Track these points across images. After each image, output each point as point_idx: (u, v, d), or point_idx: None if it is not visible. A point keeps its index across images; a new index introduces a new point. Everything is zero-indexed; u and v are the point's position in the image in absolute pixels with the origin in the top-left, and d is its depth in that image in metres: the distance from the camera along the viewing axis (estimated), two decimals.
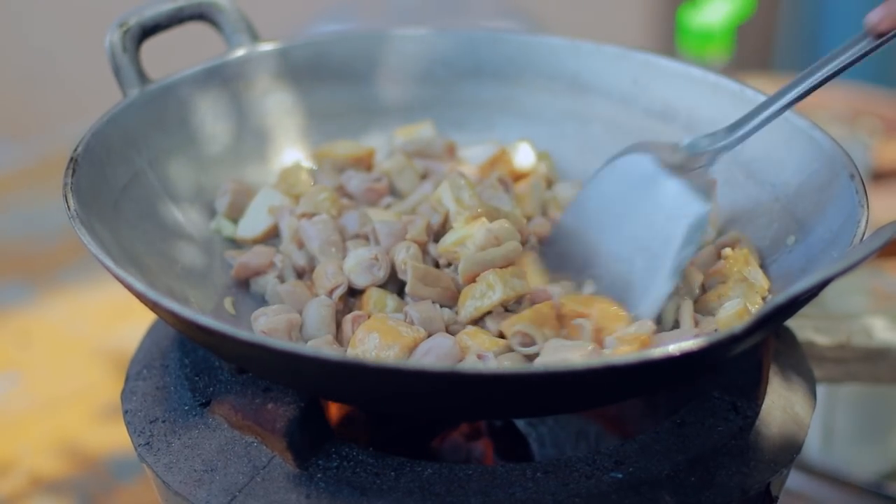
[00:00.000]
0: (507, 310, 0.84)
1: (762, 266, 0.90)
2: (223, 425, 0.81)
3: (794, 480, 1.22)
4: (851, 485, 1.23)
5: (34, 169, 2.03)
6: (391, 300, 0.87)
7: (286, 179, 0.99)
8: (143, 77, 0.96)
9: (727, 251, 0.89)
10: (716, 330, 0.80)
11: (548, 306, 0.82)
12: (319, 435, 0.79)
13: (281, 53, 1.04)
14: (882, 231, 0.73)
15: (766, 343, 0.88)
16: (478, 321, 0.84)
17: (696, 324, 0.84)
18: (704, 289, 0.88)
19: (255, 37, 1.03)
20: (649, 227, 0.85)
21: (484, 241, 0.86)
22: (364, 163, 1.02)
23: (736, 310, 0.81)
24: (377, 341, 0.80)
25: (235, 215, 0.97)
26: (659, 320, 0.85)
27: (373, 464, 0.77)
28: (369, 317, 0.85)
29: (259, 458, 0.78)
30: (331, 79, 1.06)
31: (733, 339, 0.70)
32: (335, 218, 0.93)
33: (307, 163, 1.03)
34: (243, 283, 0.92)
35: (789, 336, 0.94)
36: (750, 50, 2.62)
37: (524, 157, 1.01)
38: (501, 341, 0.81)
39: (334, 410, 0.94)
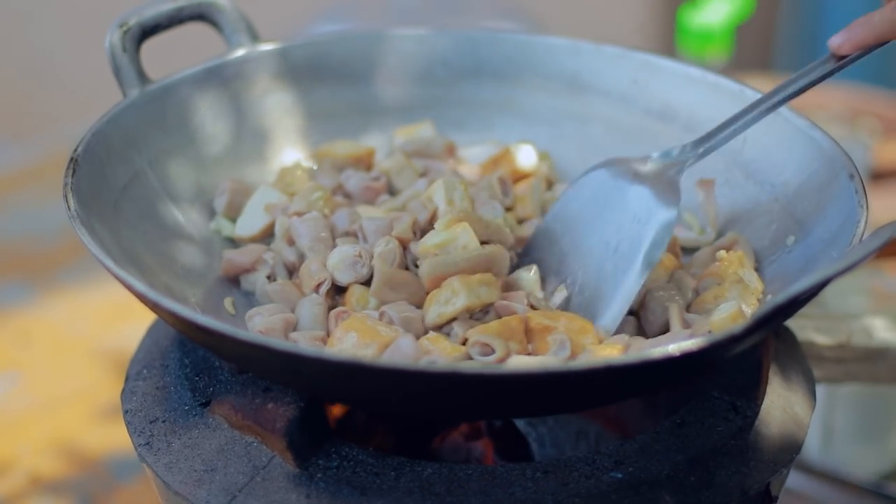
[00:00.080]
0: (473, 318, 0.84)
1: (761, 266, 0.90)
2: (223, 425, 0.81)
3: (794, 480, 1.22)
4: (851, 485, 1.23)
5: (34, 169, 2.03)
6: (374, 298, 0.87)
7: (284, 178, 0.99)
8: (143, 77, 0.96)
9: (721, 253, 0.89)
10: (709, 331, 0.80)
11: (517, 319, 0.82)
12: (319, 435, 0.79)
13: (281, 53, 1.04)
14: (881, 231, 0.73)
15: (766, 343, 0.88)
16: (443, 326, 0.84)
17: (690, 325, 0.84)
18: (697, 291, 0.88)
19: (255, 37, 1.03)
20: (619, 231, 0.87)
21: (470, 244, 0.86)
22: (364, 162, 1.02)
23: (730, 312, 0.81)
24: (355, 340, 0.80)
25: (234, 214, 0.97)
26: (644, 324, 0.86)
27: (373, 464, 0.77)
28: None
29: (259, 458, 0.78)
30: (331, 79, 1.06)
31: (733, 340, 0.70)
32: (328, 216, 0.93)
33: (307, 163, 1.03)
34: (235, 280, 0.92)
35: (789, 336, 0.94)
36: (750, 50, 2.62)
37: (526, 157, 1.01)
38: (461, 348, 0.80)
39: (334, 410, 0.94)
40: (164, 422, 0.82)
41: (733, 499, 0.76)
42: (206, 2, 1.00)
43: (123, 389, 0.87)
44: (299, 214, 0.93)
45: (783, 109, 0.94)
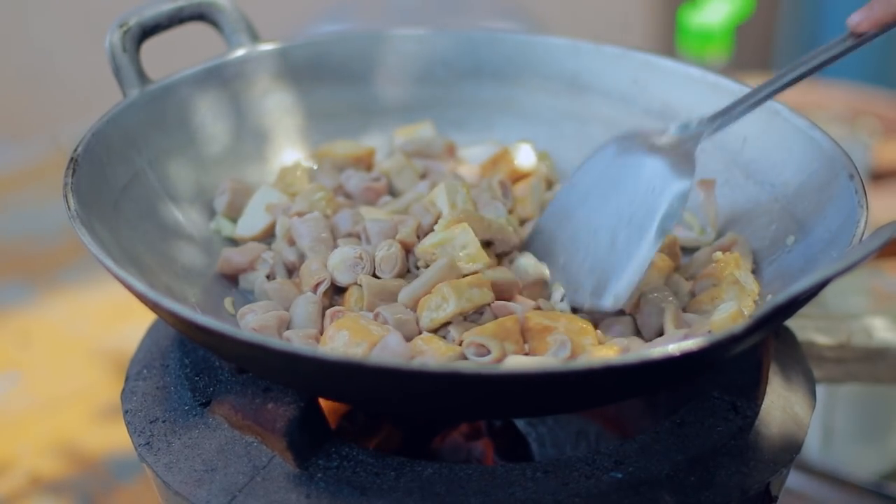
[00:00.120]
0: (468, 319, 0.84)
1: (760, 266, 0.90)
2: (223, 425, 0.81)
3: (794, 480, 1.22)
4: (851, 484, 1.23)
5: (34, 169, 2.03)
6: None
7: (284, 178, 0.99)
8: (143, 77, 0.96)
9: (718, 255, 0.89)
10: (709, 332, 0.80)
11: (512, 320, 0.82)
12: (319, 435, 0.79)
13: (281, 53, 1.04)
14: (881, 231, 0.73)
15: (766, 343, 0.88)
16: (438, 329, 0.84)
17: (688, 326, 0.84)
18: (694, 293, 0.88)
19: (255, 37, 1.03)
20: (632, 203, 0.87)
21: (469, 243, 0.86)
22: (364, 162, 1.03)
23: (730, 312, 0.81)
24: (346, 338, 0.80)
25: (234, 214, 0.97)
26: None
27: (373, 464, 0.77)
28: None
29: (259, 457, 0.78)
30: (331, 79, 1.06)
31: (733, 339, 0.70)
32: (329, 217, 0.93)
33: (307, 163, 1.03)
34: (235, 280, 0.92)
35: (789, 336, 0.94)
36: (750, 50, 2.62)
37: (525, 157, 1.01)
38: (455, 348, 0.80)
39: (334, 410, 0.94)
40: (164, 422, 0.82)
41: (733, 499, 0.76)
42: (206, 2, 1.00)
43: (123, 389, 0.87)
44: (301, 215, 0.93)
45: (783, 110, 0.94)
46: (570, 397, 0.76)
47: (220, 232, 0.97)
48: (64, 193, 0.82)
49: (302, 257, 0.91)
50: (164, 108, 0.97)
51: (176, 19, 0.99)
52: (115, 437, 1.41)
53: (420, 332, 0.83)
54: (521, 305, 0.85)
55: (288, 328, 0.85)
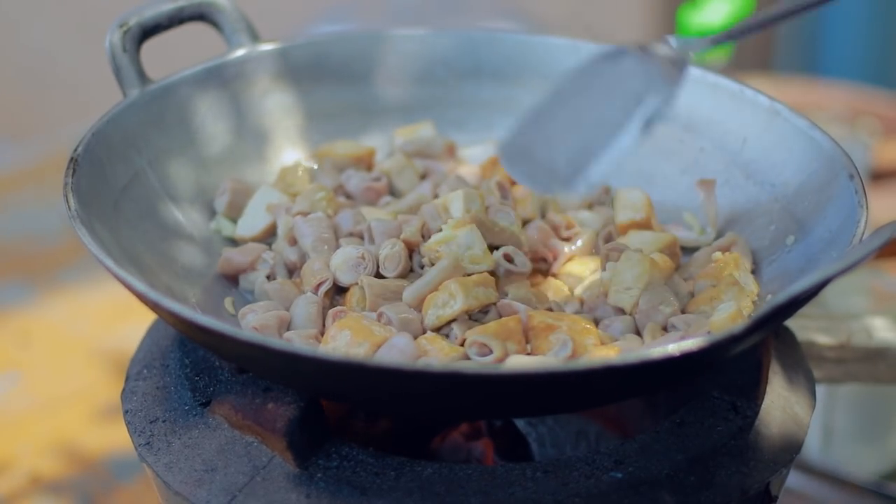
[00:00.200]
0: (472, 318, 0.84)
1: (760, 266, 0.90)
2: (223, 425, 0.81)
3: (794, 480, 1.22)
4: (851, 485, 1.23)
5: (34, 169, 2.03)
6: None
7: (285, 178, 0.99)
8: (143, 77, 0.96)
9: (717, 255, 0.89)
10: (709, 332, 0.80)
11: (514, 320, 0.82)
12: (319, 435, 0.79)
13: (281, 53, 1.04)
14: (881, 231, 0.73)
15: (766, 343, 0.88)
16: (442, 328, 0.84)
17: (688, 326, 0.84)
18: (693, 293, 0.88)
19: (255, 37, 1.03)
20: (618, 102, 0.86)
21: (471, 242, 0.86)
22: (364, 162, 1.03)
23: (730, 313, 0.81)
24: (348, 338, 0.80)
25: (235, 214, 0.97)
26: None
27: (373, 464, 0.77)
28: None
29: (259, 457, 0.78)
30: (330, 79, 1.06)
31: (733, 339, 0.70)
32: (331, 217, 0.93)
33: (307, 163, 1.03)
34: (235, 280, 0.92)
35: (789, 336, 0.94)
36: (750, 50, 2.62)
37: None
38: (459, 349, 0.80)
39: (334, 411, 0.94)
40: (164, 422, 0.82)
41: (733, 499, 0.76)
42: (206, 2, 1.00)
43: (123, 389, 0.87)
44: (303, 214, 0.93)
45: (783, 110, 0.94)
46: (571, 397, 0.76)
47: (221, 232, 0.97)
48: (64, 193, 0.82)
49: (303, 257, 0.91)
50: (164, 108, 0.97)
51: (176, 19, 0.99)
52: (115, 437, 1.41)
53: (424, 332, 0.83)
54: (525, 305, 0.85)
55: (288, 328, 0.85)
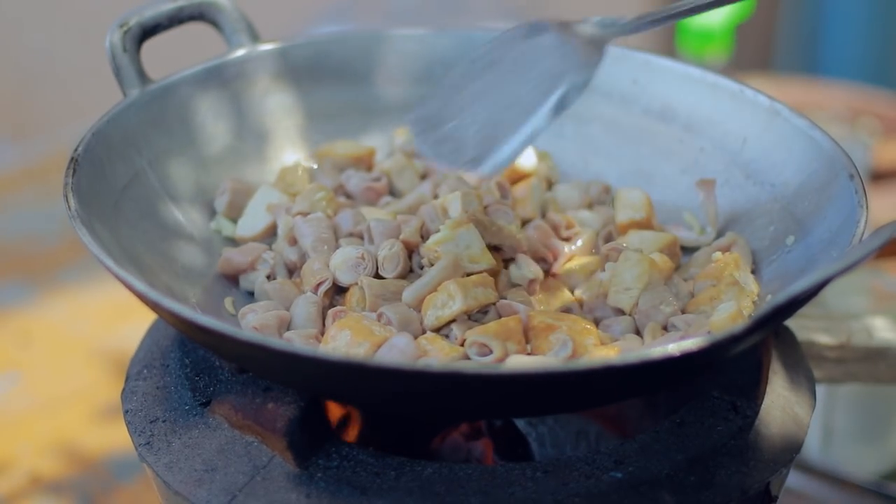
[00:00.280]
0: (471, 318, 0.84)
1: (760, 266, 0.90)
2: (223, 425, 0.81)
3: (794, 480, 1.22)
4: (851, 484, 1.23)
5: (34, 169, 2.03)
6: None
7: (285, 178, 0.99)
8: (143, 77, 0.96)
9: (717, 255, 0.89)
10: (709, 332, 0.80)
11: (514, 320, 0.82)
12: (319, 435, 0.79)
13: (281, 53, 1.04)
14: (881, 231, 0.73)
15: (766, 343, 0.88)
16: (442, 328, 0.84)
17: (689, 327, 0.84)
18: (693, 293, 0.88)
19: (255, 37, 1.03)
20: (533, 81, 0.84)
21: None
22: (364, 162, 1.03)
23: (730, 313, 0.81)
24: (348, 338, 0.80)
25: (235, 215, 0.97)
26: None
27: (373, 463, 0.77)
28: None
29: (259, 457, 0.78)
30: (330, 79, 1.06)
31: (733, 339, 0.70)
32: (331, 217, 0.93)
33: (307, 162, 1.03)
34: (235, 280, 0.92)
35: (789, 336, 0.94)
36: (750, 50, 2.63)
37: (525, 157, 1.01)
38: (459, 349, 0.80)
39: (334, 410, 0.94)
40: (164, 422, 0.82)
41: (733, 499, 0.76)
42: (207, 2, 1.00)
43: (123, 389, 0.87)
44: (303, 214, 0.93)
45: (783, 110, 0.94)
46: (571, 397, 0.76)
47: (221, 232, 0.97)
48: (64, 193, 0.82)
49: (303, 257, 0.91)
50: (164, 108, 0.97)
51: (176, 19, 0.99)
52: (115, 437, 1.41)
53: (424, 332, 0.83)
54: (525, 305, 0.85)
55: (288, 328, 0.85)
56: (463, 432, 0.95)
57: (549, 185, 1.02)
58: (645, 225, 0.95)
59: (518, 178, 1.00)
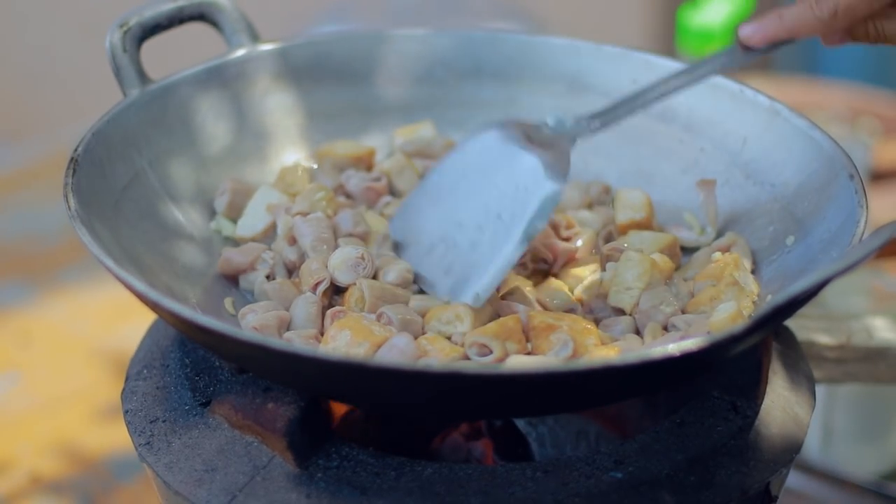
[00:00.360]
0: None
1: (760, 266, 0.90)
2: (223, 425, 0.81)
3: (794, 480, 1.22)
4: (851, 484, 1.23)
5: (34, 169, 2.03)
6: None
7: (285, 178, 0.99)
8: (143, 77, 0.96)
9: (717, 255, 0.89)
10: (709, 332, 0.80)
11: (514, 320, 0.82)
12: (319, 435, 0.79)
13: (281, 53, 1.04)
14: (881, 231, 0.73)
15: (766, 343, 0.88)
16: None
17: (689, 327, 0.84)
18: (692, 293, 0.88)
19: (255, 37, 1.03)
20: (502, 198, 0.86)
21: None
22: (364, 162, 1.03)
23: (730, 313, 0.81)
24: (348, 338, 0.80)
25: (235, 215, 0.97)
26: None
27: (373, 464, 0.77)
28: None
29: (259, 457, 0.78)
30: (331, 79, 1.06)
31: (733, 339, 0.70)
32: (330, 217, 0.93)
33: (307, 163, 1.03)
34: (235, 280, 0.92)
35: (789, 336, 0.94)
36: None
37: None
38: (459, 349, 0.80)
39: (335, 410, 0.94)
40: (164, 422, 0.82)
41: (733, 499, 0.76)
42: (207, 2, 1.00)
43: (123, 389, 0.87)
44: (303, 214, 0.93)
45: (783, 110, 0.94)
46: (571, 397, 0.76)
47: (221, 232, 0.97)
48: (64, 193, 0.82)
49: (303, 257, 0.91)
50: (164, 108, 0.97)
51: (176, 19, 0.99)
52: (115, 437, 1.41)
53: (424, 332, 0.83)
54: (524, 305, 0.85)
55: (288, 328, 0.85)
56: (463, 432, 0.95)
57: None
58: (645, 225, 0.95)
59: None
